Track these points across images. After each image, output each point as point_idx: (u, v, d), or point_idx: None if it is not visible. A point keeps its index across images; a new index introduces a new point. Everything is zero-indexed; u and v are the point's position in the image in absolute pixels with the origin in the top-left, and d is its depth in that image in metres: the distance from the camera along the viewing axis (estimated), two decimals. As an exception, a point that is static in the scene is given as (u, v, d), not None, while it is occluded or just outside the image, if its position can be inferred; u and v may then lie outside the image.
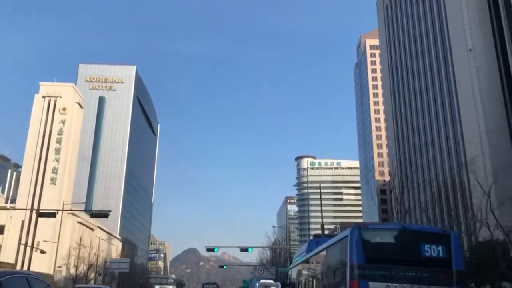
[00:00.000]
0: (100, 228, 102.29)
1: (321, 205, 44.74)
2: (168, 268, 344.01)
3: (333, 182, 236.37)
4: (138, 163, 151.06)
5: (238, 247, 42.26)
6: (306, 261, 18.99)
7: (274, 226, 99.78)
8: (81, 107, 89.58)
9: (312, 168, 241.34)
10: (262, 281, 52.50)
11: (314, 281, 16.25)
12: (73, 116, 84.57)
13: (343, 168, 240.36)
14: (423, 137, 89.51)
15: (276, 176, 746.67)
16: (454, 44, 75.43)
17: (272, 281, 58.10)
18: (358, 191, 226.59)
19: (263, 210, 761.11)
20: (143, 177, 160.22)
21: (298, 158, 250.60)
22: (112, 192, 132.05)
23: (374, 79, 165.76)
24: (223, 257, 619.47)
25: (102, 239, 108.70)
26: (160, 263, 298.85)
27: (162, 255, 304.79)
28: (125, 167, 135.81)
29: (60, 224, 57.75)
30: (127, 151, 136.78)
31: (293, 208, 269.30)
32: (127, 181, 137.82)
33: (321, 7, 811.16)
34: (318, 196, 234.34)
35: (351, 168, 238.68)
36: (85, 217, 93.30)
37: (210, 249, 45.39)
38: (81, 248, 79.58)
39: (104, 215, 31.51)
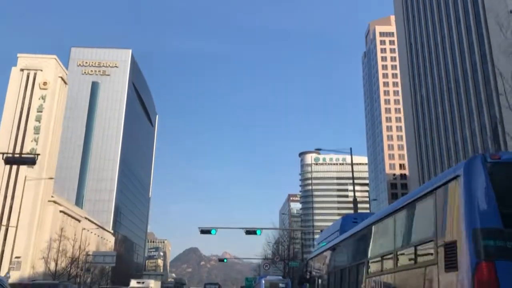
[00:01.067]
0: (89, 220, 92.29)
1: (352, 178, 34.38)
2: (168, 267, 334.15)
3: (338, 178, 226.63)
4: (133, 153, 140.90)
5: (242, 228, 31.98)
6: (344, 243, 11.32)
7: (283, 213, 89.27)
8: (65, 83, 79.58)
9: (317, 164, 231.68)
10: (268, 277, 43.13)
11: (364, 271, 8.85)
12: (56, 92, 74.51)
13: (348, 164, 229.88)
14: (451, 129, 78.95)
15: (279, 174, 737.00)
16: (489, 7, 65.08)
17: (280, 277, 48.98)
18: (365, 188, 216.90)
19: (265, 208, 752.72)
20: (140, 169, 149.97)
21: (302, 154, 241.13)
22: (105, 184, 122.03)
23: (384, 67, 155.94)
24: (224, 256, 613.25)
25: (91, 232, 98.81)
26: (160, 262, 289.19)
27: (161, 254, 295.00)
28: (119, 157, 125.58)
29: (20, 207, 47.53)
30: (121, 139, 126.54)
31: (296, 206, 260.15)
32: (121, 172, 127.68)
33: (319, 3, 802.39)
34: (322, 193, 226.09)
35: (357, 164, 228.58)
36: (71, 206, 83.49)
37: (206, 231, 34.48)
38: (62, 239, 69.58)
39: (27, 160, 21.67)
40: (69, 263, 67.82)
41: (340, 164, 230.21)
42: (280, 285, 42.19)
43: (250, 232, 31.04)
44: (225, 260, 52.23)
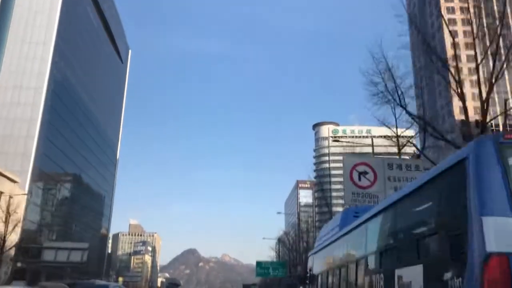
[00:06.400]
0: None
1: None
2: (158, 265, 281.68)
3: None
4: (80, 78, 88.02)
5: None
6: (345, 237, 9.89)
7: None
8: None
9: (335, 138, 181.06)
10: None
11: (364, 268, 7.96)
12: None
13: (374, 137, 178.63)
14: None
15: (284, 161, 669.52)
16: None
17: None
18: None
19: (268, 202, 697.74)
20: (94, 106, 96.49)
21: (317, 126, 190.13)
22: (21, 110, 71.09)
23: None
24: (223, 258, 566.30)
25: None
26: (148, 258, 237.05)
27: (149, 249, 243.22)
28: (50, 68, 74.41)
29: None
30: (53, 43, 75.68)
31: (305, 194, 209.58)
32: (52, 94, 76.28)
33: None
34: (341, 172, 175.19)
35: (385, 136, 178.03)
36: None
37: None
38: None
39: None
40: None
41: (363, 137, 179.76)
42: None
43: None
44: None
